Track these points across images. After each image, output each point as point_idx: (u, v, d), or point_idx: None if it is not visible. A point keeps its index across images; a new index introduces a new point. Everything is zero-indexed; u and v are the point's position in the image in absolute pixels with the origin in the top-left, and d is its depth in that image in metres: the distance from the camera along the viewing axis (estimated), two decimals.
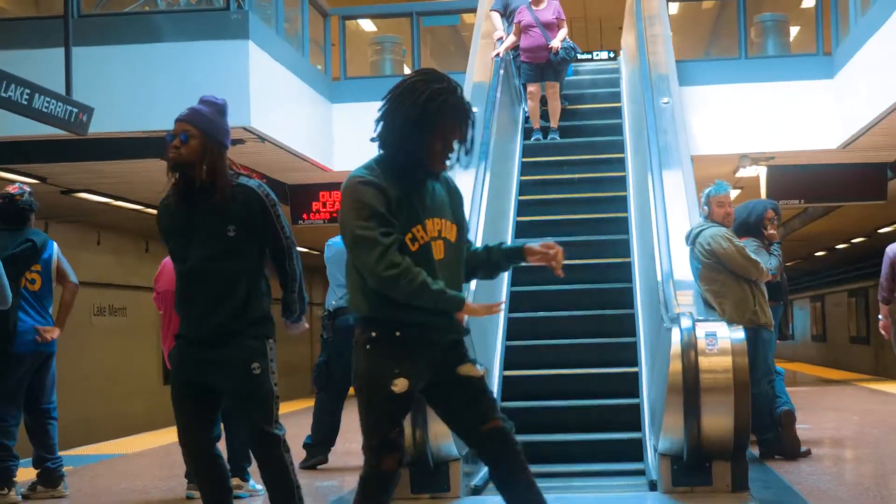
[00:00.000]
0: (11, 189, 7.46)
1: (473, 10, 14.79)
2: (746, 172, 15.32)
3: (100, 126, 10.19)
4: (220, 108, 5.07)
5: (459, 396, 4.15)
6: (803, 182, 15.35)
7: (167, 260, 7.58)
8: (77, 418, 11.06)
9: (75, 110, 9.58)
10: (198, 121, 4.96)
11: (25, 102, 8.92)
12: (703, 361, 6.61)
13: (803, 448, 8.21)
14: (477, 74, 12.18)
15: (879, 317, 10.26)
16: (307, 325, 5.37)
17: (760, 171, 15.50)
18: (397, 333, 4.03)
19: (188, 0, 12.76)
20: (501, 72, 11.70)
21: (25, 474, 7.49)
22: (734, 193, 9.22)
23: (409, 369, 4.03)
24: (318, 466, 8.38)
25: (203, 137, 4.91)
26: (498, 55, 11.92)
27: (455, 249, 4.16)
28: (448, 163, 4.13)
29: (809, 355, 37.56)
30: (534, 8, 11.83)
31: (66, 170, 12.61)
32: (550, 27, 11.81)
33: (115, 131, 11.12)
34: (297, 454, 8.04)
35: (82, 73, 10.06)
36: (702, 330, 6.74)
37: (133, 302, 19.42)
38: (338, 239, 8.48)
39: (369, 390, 4.10)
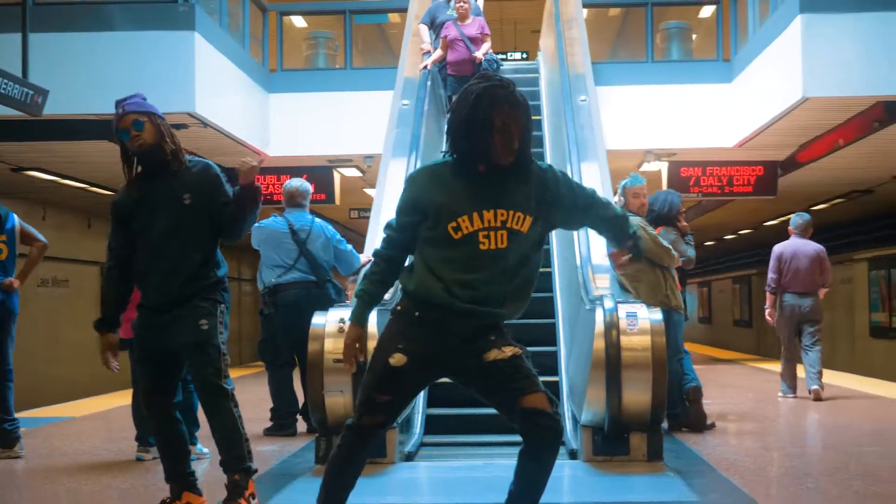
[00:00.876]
0: None
1: (403, 10, 14.66)
2: (650, 167, 15.32)
3: (53, 108, 9.95)
4: (142, 96, 5.04)
5: (490, 380, 3.89)
6: (701, 177, 15.34)
7: None
8: (24, 383, 10.75)
9: (31, 92, 9.41)
10: (139, 107, 4.92)
11: None
12: (625, 340, 6.54)
13: (709, 422, 8.17)
14: (408, 70, 12.08)
15: (766, 305, 10.81)
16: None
17: (662, 166, 15.52)
18: (416, 314, 3.87)
19: None
20: (429, 83, 11.47)
21: None
22: None
23: (413, 348, 3.85)
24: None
25: (151, 117, 4.91)
26: (426, 67, 11.57)
27: (524, 239, 3.89)
28: (510, 160, 3.86)
29: (695, 336, 37.95)
30: (459, 23, 11.35)
31: (17, 148, 12.30)
32: (475, 41, 11.34)
33: (68, 113, 10.86)
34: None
35: (38, 58, 9.90)
36: (623, 311, 6.67)
37: (75, 275, 19.29)
38: (269, 220, 8.24)
39: (375, 353, 3.96)
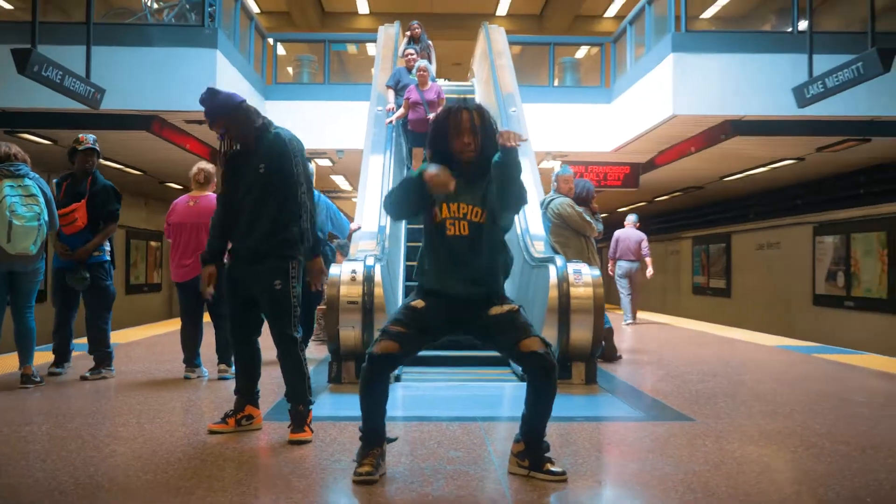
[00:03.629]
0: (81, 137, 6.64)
1: (370, 41, 14.16)
2: (547, 164, 15.13)
3: (107, 104, 9.51)
4: (212, 94, 4.58)
5: (494, 329, 3.65)
6: (584, 173, 15.19)
7: (177, 200, 6.84)
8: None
9: (92, 90, 8.99)
10: (218, 115, 4.53)
11: (58, 81, 8.42)
12: (573, 291, 6.35)
13: (618, 354, 7.98)
14: (379, 86, 11.60)
15: (609, 266, 12.36)
16: (323, 269, 4.74)
17: (556, 164, 15.34)
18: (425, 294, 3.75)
19: (172, 16, 11.89)
20: (393, 135, 10.78)
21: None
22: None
23: (429, 301, 3.69)
24: None
25: (227, 119, 4.53)
26: (391, 122, 10.74)
27: (480, 229, 3.65)
28: (470, 155, 3.64)
29: None
30: (420, 89, 10.51)
31: (72, 135, 11.38)
32: (433, 104, 10.49)
33: (118, 108, 10.28)
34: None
35: (98, 65, 9.39)
36: (571, 268, 6.46)
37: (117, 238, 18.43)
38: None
39: (401, 306, 3.77)
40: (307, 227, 4.50)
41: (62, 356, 6.68)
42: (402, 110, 10.65)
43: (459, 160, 3.65)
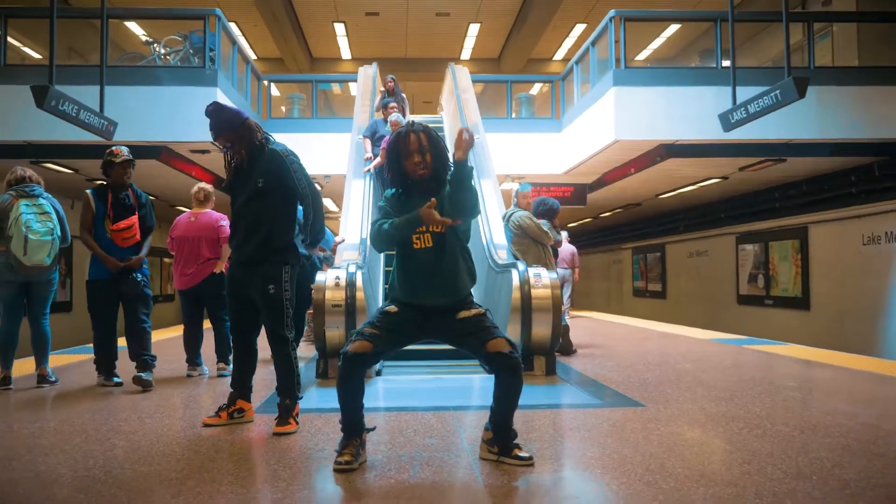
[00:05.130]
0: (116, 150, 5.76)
1: (354, 80, 13.77)
2: (506, 186, 14.85)
3: (120, 136, 9.10)
4: (218, 109, 4.23)
5: (462, 332, 3.34)
6: (540, 192, 14.96)
7: (179, 217, 6.50)
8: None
9: (105, 122, 8.54)
10: (224, 130, 4.19)
11: (74, 114, 7.99)
12: (534, 292, 6.05)
13: (574, 349, 7.70)
14: (359, 119, 11.29)
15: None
16: (319, 252, 4.42)
17: (514, 185, 15.06)
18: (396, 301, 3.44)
19: (177, 59, 11.53)
20: (371, 182, 10.04)
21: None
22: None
23: (401, 307, 3.39)
24: None
25: (233, 135, 4.20)
26: (368, 171, 10.03)
27: (443, 239, 3.35)
28: (422, 173, 3.37)
29: None
30: None
31: (93, 165, 10.88)
32: None
33: (130, 140, 9.77)
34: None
35: (110, 103, 9.03)
36: (531, 272, 6.16)
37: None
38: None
39: (378, 308, 3.48)
40: (308, 231, 4.25)
41: (109, 368, 5.79)
42: (378, 159, 10.10)
43: (414, 178, 3.38)
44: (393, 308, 3.38)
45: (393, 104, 10.88)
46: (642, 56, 16.88)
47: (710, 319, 16.41)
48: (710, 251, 17.63)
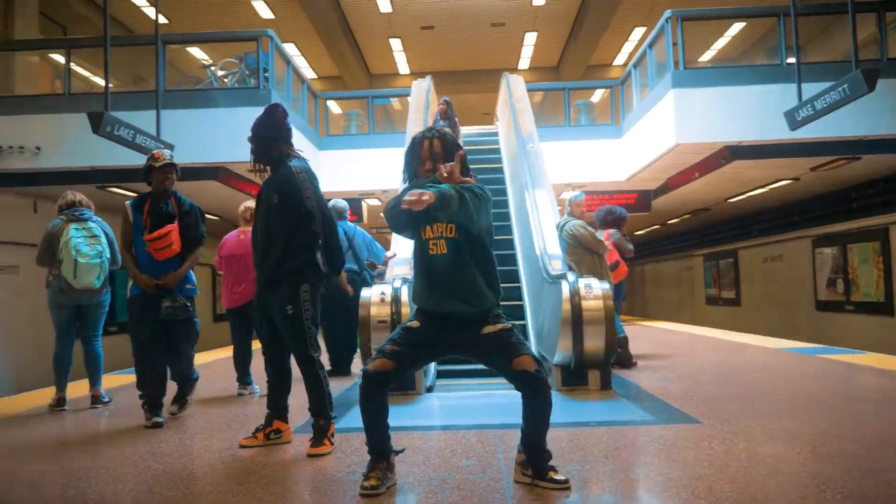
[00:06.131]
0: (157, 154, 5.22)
1: (405, 96, 13.76)
2: (567, 195, 14.55)
3: (179, 158, 9.11)
4: (268, 111, 4.22)
5: (487, 348, 3.17)
6: (603, 200, 14.63)
7: (227, 235, 6.56)
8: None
9: (162, 146, 8.72)
10: (253, 131, 4.20)
11: (130, 139, 8.21)
12: (585, 304, 5.80)
13: (634, 361, 7.41)
14: (412, 132, 11.29)
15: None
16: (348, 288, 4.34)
17: (572, 194, 14.81)
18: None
19: (234, 81, 11.73)
20: None
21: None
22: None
23: (424, 321, 3.24)
24: None
25: (255, 139, 4.20)
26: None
27: (457, 245, 3.21)
28: (439, 174, 3.22)
29: None
30: None
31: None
32: None
33: (188, 161, 9.92)
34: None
35: (167, 126, 9.33)
36: (582, 283, 5.91)
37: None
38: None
39: (401, 324, 3.39)
40: (327, 253, 4.13)
41: (152, 401, 4.99)
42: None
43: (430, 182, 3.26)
44: (415, 323, 3.26)
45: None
46: (707, 57, 16.38)
47: (787, 327, 15.71)
48: (786, 255, 16.90)
